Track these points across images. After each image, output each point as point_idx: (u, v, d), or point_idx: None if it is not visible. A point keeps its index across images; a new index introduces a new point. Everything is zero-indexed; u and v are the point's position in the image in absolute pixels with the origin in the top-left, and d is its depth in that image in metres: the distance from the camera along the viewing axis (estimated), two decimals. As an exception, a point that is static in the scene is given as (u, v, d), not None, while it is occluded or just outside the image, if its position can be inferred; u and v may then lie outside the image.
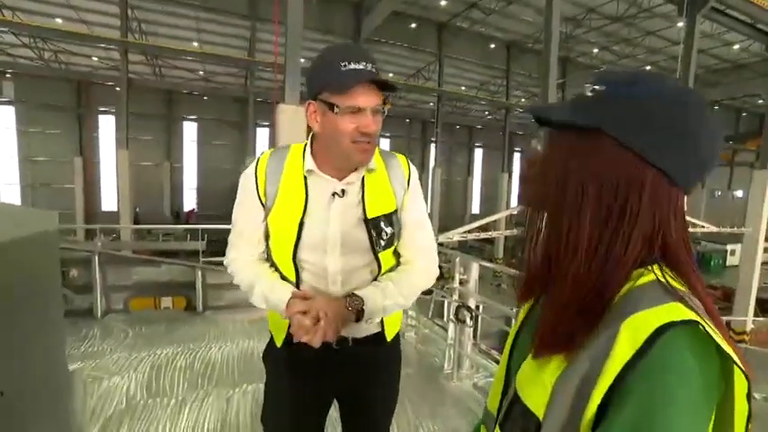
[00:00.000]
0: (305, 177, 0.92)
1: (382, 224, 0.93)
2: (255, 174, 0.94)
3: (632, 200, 0.41)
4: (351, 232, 0.92)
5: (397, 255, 1.00)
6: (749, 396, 0.36)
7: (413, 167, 1.01)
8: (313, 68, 0.88)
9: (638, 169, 0.40)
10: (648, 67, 18.64)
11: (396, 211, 0.96)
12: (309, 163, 0.92)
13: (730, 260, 19.50)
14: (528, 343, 0.48)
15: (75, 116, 17.19)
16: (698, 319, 0.36)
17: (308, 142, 0.94)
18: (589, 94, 0.44)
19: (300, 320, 0.83)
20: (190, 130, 19.43)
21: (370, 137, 0.86)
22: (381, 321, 0.99)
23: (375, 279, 0.96)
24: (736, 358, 0.35)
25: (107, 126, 17.59)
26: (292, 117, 4.91)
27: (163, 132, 18.75)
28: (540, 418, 0.42)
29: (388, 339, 1.02)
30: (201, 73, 16.70)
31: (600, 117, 0.42)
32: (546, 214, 0.47)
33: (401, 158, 1.00)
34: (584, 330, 0.40)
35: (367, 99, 0.84)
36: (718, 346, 0.36)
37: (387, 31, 14.30)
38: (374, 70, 0.84)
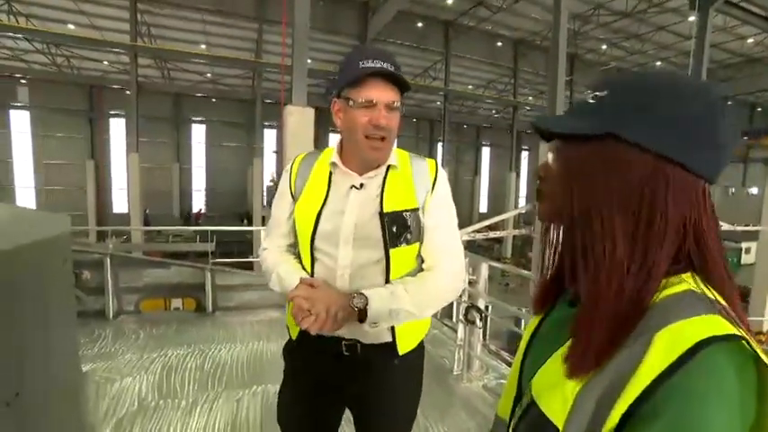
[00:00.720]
0: (330, 173, 0.97)
1: (398, 219, 0.93)
2: (290, 169, 1.02)
3: (659, 200, 0.39)
4: (365, 225, 0.92)
5: (419, 260, 0.98)
6: None
7: (441, 172, 1.00)
8: (339, 69, 0.94)
9: (658, 168, 0.39)
10: (659, 63, 18.34)
11: (416, 209, 0.95)
12: (335, 157, 0.96)
13: (745, 258, 19.08)
14: (545, 349, 0.47)
15: (86, 120, 17.51)
16: (741, 333, 0.35)
17: (338, 141, 0.99)
18: (591, 100, 0.43)
19: (299, 303, 0.83)
20: (198, 132, 19.67)
21: (382, 131, 0.88)
22: (393, 331, 0.96)
23: (387, 281, 0.93)
24: None
25: (118, 129, 17.89)
26: (299, 118, 4.93)
27: (172, 135, 19.00)
28: (559, 427, 0.41)
29: (400, 352, 0.97)
30: (209, 75, 16.88)
31: (609, 122, 0.41)
32: (567, 229, 0.46)
33: (430, 162, 1.00)
34: (620, 342, 0.39)
35: (379, 93, 0.87)
36: (757, 361, 0.34)
37: (393, 31, 14.29)
38: (390, 68, 0.87)
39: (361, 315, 0.85)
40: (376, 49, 0.93)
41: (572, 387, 0.40)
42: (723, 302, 0.39)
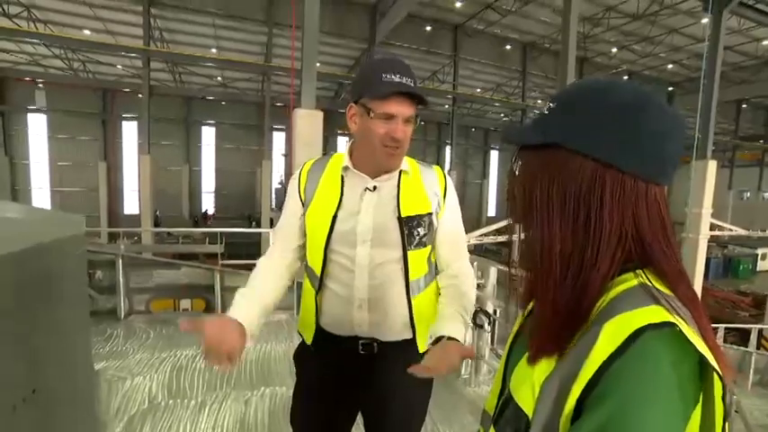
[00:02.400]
0: (342, 177, 0.99)
1: (415, 223, 0.96)
2: (299, 176, 1.03)
3: (595, 204, 0.42)
4: (382, 226, 0.95)
5: (429, 262, 1.02)
6: (724, 397, 0.37)
7: (449, 179, 1.05)
8: (358, 75, 0.98)
9: (597, 174, 0.42)
10: (670, 66, 18.09)
11: (430, 214, 0.99)
12: (346, 161, 0.98)
13: (761, 265, 18.65)
14: (524, 346, 0.49)
15: (100, 122, 17.85)
16: (675, 321, 0.37)
17: (348, 145, 1.01)
18: (546, 111, 0.47)
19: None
20: (208, 134, 19.92)
21: (398, 142, 0.91)
22: (413, 328, 0.99)
23: (406, 280, 0.96)
24: (712, 360, 0.35)
25: (130, 132, 18.21)
26: (308, 121, 4.96)
27: (182, 137, 19.27)
28: (530, 417, 0.43)
29: (420, 350, 0.99)
30: (219, 79, 17.10)
31: (554, 131, 0.44)
32: (522, 227, 0.49)
33: (437, 170, 1.05)
34: (569, 335, 0.42)
35: (399, 108, 0.90)
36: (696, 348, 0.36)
37: (402, 35, 14.34)
38: (411, 84, 0.90)
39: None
40: (398, 62, 0.93)
41: (539, 377, 0.43)
42: (672, 295, 0.40)
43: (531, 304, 0.54)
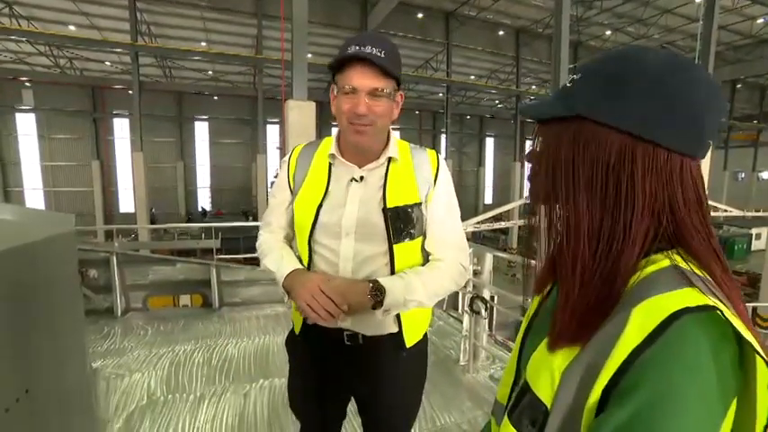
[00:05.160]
0: (330, 165, 0.95)
1: (401, 215, 0.91)
2: (288, 162, 1.00)
3: (625, 178, 0.39)
4: (367, 218, 0.91)
5: (423, 253, 0.97)
6: None
7: (443, 163, 0.98)
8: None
9: (626, 146, 0.39)
10: (665, 48, 18.00)
11: (419, 204, 0.93)
12: (333, 148, 0.94)
13: (756, 245, 18.84)
14: (540, 333, 0.47)
15: (91, 121, 17.63)
16: (714, 304, 0.34)
17: (336, 131, 0.97)
18: (568, 84, 0.44)
19: (323, 300, 0.83)
20: (201, 129, 19.73)
21: (363, 119, 0.85)
22: (399, 322, 0.95)
23: (392, 272, 0.92)
24: (758, 347, 0.33)
25: (122, 129, 18.01)
26: (301, 113, 4.91)
27: (175, 133, 19.09)
28: (549, 407, 0.41)
29: (408, 345, 0.97)
30: (210, 73, 16.88)
31: (577, 103, 0.42)
32: (546, 207, 0.46)
33: (431, 154, 0.98)
34: (597, 319, 0.39)
35: (360, 80, 0.84)
36: (738, 334, 0.33)
37: (393, 23, 14.14)
38: (372, 51, 0.82)
39: (375, 305, 0.86)
40: (368, 33, 0.88)
41: (559, 365, 0.41)
42: (707, 278, 0.38)
43: (546, 289, 0.52)
